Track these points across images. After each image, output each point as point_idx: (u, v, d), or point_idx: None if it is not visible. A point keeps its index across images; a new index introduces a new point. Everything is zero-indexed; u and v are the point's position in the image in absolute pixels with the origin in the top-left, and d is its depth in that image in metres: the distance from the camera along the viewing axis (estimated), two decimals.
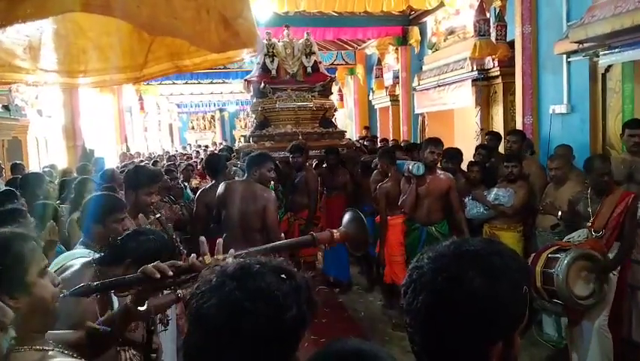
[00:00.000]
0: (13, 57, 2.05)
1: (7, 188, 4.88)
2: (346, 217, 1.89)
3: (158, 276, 1.53)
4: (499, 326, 0.95)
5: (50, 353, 1.36)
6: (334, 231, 1.84)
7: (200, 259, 1.57)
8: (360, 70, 13.61)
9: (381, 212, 5.14)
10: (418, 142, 7.91)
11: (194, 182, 7.64)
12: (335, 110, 7.75)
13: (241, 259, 1.11)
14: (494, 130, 6.68)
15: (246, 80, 7.76)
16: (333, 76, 8.87)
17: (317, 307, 1.11)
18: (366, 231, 1.92)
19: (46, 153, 11.19)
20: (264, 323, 0.98)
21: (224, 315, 0.98)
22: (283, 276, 1.06)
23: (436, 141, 4.75)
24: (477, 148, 5.76)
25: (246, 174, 4.08)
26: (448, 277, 0.96)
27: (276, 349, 1.00)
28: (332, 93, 7.99)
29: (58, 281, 1.45)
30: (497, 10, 6.82)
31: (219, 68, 12.91)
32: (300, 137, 6.61)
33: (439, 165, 4.85)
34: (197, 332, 1.02)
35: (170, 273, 1.54)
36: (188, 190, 6.28)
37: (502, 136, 5.96)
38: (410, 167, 4.57)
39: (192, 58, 2.17)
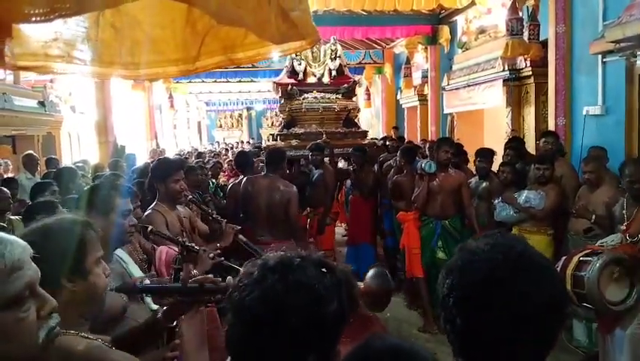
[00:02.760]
0: (72, 49, 2.08)
1: (45, 180, 5.02)
2: (370, 273, 1.75)
3: (196, 285, 1.57)
4: (536, 326, 0.95)
5: (94, 342, 1.38)
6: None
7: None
8: (388, 69, 13.51)
9: (394, 203, 5.74)
10: None
11: (222, 179, 7.77)
12: (358, 110, 8.05)
13: (282, 253, 1.10)
14: (521, 133, 6.66)
15: (275, 82, 8.11)
16: (356, 79, 9.30)
17: (357, 303, 1.09)
18: (389, 289, 1.75)
19: (78, 149, 11.43)
20: (305, 316, 0.98)
21: (266, 308, 0.98)
22: (324, 270, 1.05)
23: (449, 141, 5.23)
24: (505, 149, 5.67)
25: (266, 170, 4.40)
26: (484, 277, 0.95)
27: (317, 343, 1.00)
28: (355, 95, 8.36)
29: (108, 272, 1.50)
30: (530, 9, 6.70)
31: (248, 67, 13.02)
32: (324, 136, 6.83)
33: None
34: (239, 324, 1.02)
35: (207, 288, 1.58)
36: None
37: (527, 139, 5.86)
38: (422, 165, 4.91)
39: (246, 51, 2.17)
